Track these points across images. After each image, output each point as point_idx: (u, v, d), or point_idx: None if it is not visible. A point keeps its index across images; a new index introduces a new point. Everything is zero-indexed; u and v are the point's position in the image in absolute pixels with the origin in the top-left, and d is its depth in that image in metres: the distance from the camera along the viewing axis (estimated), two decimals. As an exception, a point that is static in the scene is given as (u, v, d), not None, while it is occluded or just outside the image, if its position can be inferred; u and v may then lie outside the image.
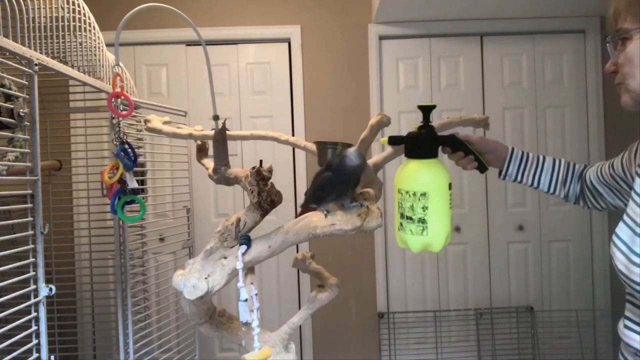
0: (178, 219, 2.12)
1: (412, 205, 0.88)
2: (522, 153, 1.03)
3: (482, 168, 0.99)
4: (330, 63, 2.74)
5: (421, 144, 0.92)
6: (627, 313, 0.76)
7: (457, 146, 0.97)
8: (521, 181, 1.04)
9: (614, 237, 0.72)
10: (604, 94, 2.73)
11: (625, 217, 0.72)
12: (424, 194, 0.86)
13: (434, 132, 0.93)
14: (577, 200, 1.04)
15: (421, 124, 0.94)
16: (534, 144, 2.77)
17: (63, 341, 1.99)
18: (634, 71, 0.73)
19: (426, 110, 0.94)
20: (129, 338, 1.74)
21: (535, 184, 1.04)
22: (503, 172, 1.04)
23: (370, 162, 1.25)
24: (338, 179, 0.95)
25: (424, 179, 0.88)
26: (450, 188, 0.90)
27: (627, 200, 0.74)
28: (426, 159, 0.91)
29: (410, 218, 0.88)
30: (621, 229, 0.71)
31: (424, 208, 0.87)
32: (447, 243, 0.91)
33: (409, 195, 0.88)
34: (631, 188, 0.74)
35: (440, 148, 0.96)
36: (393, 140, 0.96)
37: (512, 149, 1.03)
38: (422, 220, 0.87)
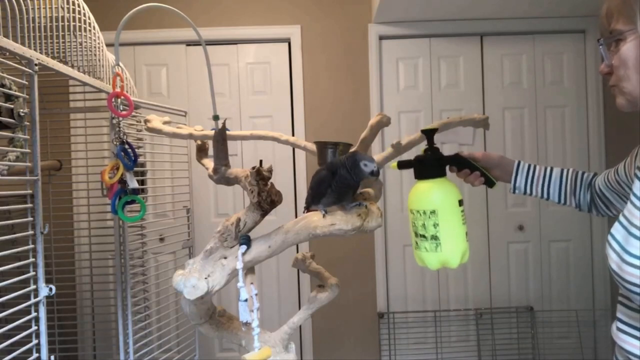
0: (178, 219, 2.11)
1: (424, 224, 0.91)
2: (529, 166, 1.04)
3: (489, 183, 1.03)
4: (330, 63, 2.74)
5: (427, 165, 0.95)
6: (619, 315, 0.76)
7: (462, 164, 1.01)
8: (531, 193, 1.05)
9: (609, 237, 0.72)
10: (604, 94, 2.73)
11: (621, 218, 0.72)
12: (433, 212, 0.89)
13: (439, 153, 0.97)
14: (590, 209, 1.04)
15: (427, 146, 0.98)
16: (534, 144, 2.78)
17: (63, 341, 1.99)
18: (629, 73, 0.72)
19: (429, 133, 0.98)
20: (129, 338, 1.74)
21: (545, 196, 1.04)
22: (512, 186, 1.06)
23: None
24: (344, 182, 0.96)
25: (432, 197, 0.91)
26: (461, 205, 0.93)
27: None
28: (433, 179, 0.94)
29: (424, 236, 0.91)
30: (616, 229, 0.71)
31: (435, 225, 0.90)
32: (466, 259, 0.93)
33: (420, 214, 0.91)
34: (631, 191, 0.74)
35: (448, 167, 1.00)
36: (402, 165, 1.00)
37: (518, 163, 1.04)
38: (434, 237, 0.90)
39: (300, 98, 2.72)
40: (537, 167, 1.04)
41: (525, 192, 1.05)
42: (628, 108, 0.75)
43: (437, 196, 0.91)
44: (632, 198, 0.71)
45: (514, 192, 1.06)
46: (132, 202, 1.54)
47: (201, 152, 1.52)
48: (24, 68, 1.19)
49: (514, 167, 1.04)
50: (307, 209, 1.08)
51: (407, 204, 0.96)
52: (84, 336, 2.26)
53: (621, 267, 0.67)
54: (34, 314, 1.16)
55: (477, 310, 2.73)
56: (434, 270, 2.72)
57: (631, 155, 0.87)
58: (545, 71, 2.77)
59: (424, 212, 0.90)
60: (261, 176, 1.02)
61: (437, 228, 0.89)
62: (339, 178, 0.95)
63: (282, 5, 2.72)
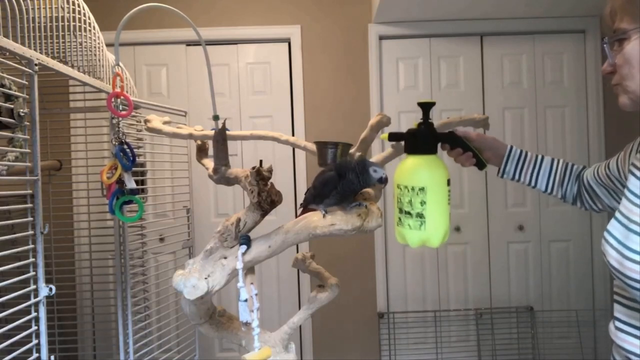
0: (178, 219, 2.11)
1: (411, 200, 0.88)
2: (521, 152, 1.04)
3: (480, 165, 1.01)
4: (330, 63, 2.74)
5: (420, 140, 0.93)
6: (617, 314, 0.76)
7: (455, 143, 0.98)
8: (519, 180, 1.04)
9: (606, 234, 0.72)
10: (604, 94, 2.73)
11: (617, 214, 0.72)
12: (422, 189, 0.87)
13: (433, 128, 0.95)
14: (575, 201, 1.04)
15: (421, 120, 0.95)
16: (534, 144, 2.77)
17: (63, 341, 1.99)
18: (633, 72, 0.72)
19: (426, 107, 0.95)
20: (129, 338, 1.74)
21: (533, 183, 1.04)
22: (501, 170, 1.05)
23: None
24: (350, 186, 0.95)
25: (422, 174, 0.89)
26: (449, 184, 0.91)
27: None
28: (425, 155, 0.92)
29: (409, 213, 0.89)
30: (613, 226, 0.72)
31: (422, 203, 0.87)
32: (446, 240, 0.91)
33: (408, 190, 0.89)
34: (625, 187, 0.74)
35: (439, 145, 0.97)
36: (393, 137, 0.98)
37: (511, 147, 1.04)
38: (420, 215, 0.88)
39: (300, 98, 2.72)
40: (529, 154, 1.04)
41: (513, 178, 1.04)
42: (631, 107, 0.75)
43: (428, 173, 0.89)
44: (629, 195, 0.71)
45: (502, 176, 1.05)
46: (131, 202, 1.54)
47: (201, 152, 1.52)
48: (24, 68, 1.19)
49: (506, 152, 1.03)
50: (305, 207, 1.07)
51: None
52: (84, 336, 2.26)
53: (622, 263, 0.67)
54: (34, 314, 1.16)
55: (477, 310, 2.73)
56: (432, 270, 2.74)
57: (625, 150, 0.87)
58: (545, 71, 2.77)
59: (412, 189, 0.88)
60: (261, 176, 1.02)
61: (424, 206, 0.87)
62: (346, 182, 0.95)
63: (282, 5, 2.72)
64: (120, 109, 1.53)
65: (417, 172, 0.90)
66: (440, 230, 0.89)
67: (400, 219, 0.91)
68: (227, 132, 1.21)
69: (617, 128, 2.72)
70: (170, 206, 2.13)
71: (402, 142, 0.97)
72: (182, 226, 2.13)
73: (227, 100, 2.73)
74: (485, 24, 2.72)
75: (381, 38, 2.74)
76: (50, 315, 1.81)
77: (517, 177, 1.04)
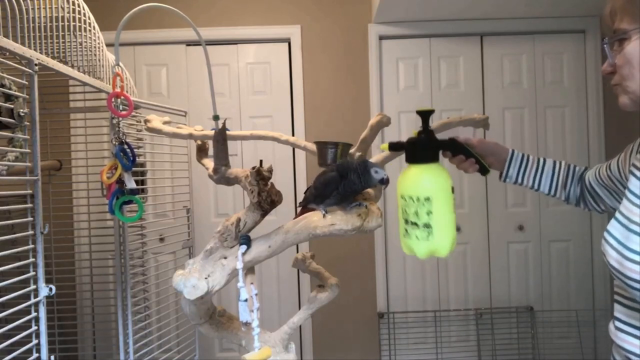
0: (178, 219, 2.11)
1: (417, 211, 0.87)
2: (523, 155, 1.03)
3: (483, 171, 1.00)
4: (330, 63, 2.74)
5: (421, 148, 0.92)
6: (617, 314, 0.76)
7: (457, 150, 0.97)
8: (522, 183, 1.04)
9: (606, 234, 0.72)
10: (604, 94, 2.73)
11: (617, 215, 0.72)
12: (427, 199, 0.86)
13: (433, 136, 0.93)
14: (578, 203, 1.04)
15: (420, 128, 0.94)
16: (534, 144, 2.78)
17: (63, 341, 1.99)
18: (633, 72, 0.72)
19: (425, 115, 0.94)
20: (129, 338, 1.74)
21: (536, 186, 1.04)
22: (504, 174, 1.04)
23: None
24: (351, 186, 0.95)
25: (426, 184, 0.87)
26: (452, 192, 0.89)
27: None
28: (427, 164, 0.90)
29: (415, 224, 0.87)
30: (613, 226, 0.72)
31: (429, 213, 0.86)
32: (454, 248, 0.90)
33: (413, 201, 0.87)
34: (626, 188, 0.74)
35: (440, 152, 0.96)
36: (393, 147, 0.96)
37: (513, 151, 1.03)
38: (427, 225, 0.86)
39: (300, 98, 2.72)
40: (531, 157, 1.04)
41: (515, 182, 1.04)
42: (631, 107, 0.75)
43: (432, 183, 0.87)
44: (629, 195, 0.72)
45: (504, 180, 1.05)
46: (131, 202, 1.54)
47: (201, 152, 1.52)
48: (24, 68, 1.19)
49: (508, 156, 1.03)
50: (304, 206, 1.07)
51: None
52: (84, 336, 2.26)
53: (622, 263, 0.68)
54: (34, 314, 1.16)
55: (477, 310, 2.73)
56: (432, 270, 2.74)
57: (625, 151, 0.87)
58: (545, 71, 2.77)
59: (418, 199, 0.86)
60: (261, 176, 1.02)
61: (430, 216, 0.85)
62: (348, 182, 0.95)
63: (282, 5, 2.72)
64: (121, 109, 1.53)
65: (421, 181, 0.88)
66: (448, 239, 0.88)
67: (406, 230, 0.89)
68: (227, 132, 1.21)
69: (617, 128, 2.72)
70: (170, 206, 2.13)
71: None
72: (182, 226, 2.13)
73: (227, 100, 2.73)
74: (485, 24, 2.72)
75: (381, 38, 2.74)
76: (50, 315, 1.81)
77: (519, 180, 1.04)
